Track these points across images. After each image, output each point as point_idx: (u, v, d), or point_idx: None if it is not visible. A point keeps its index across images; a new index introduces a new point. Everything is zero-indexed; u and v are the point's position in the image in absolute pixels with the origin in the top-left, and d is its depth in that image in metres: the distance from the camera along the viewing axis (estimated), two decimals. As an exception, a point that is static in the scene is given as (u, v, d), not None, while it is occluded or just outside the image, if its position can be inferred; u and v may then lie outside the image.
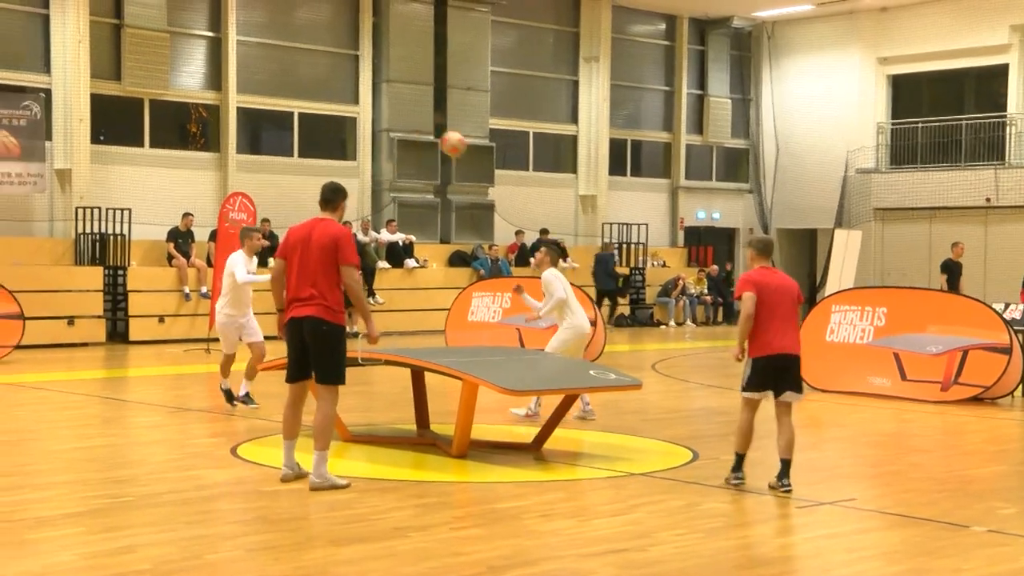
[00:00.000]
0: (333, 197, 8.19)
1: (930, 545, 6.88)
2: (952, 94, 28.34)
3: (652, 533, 6.95)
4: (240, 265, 11.40)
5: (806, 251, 30.00)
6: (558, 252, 12.38)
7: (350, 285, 7.90)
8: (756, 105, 30.68)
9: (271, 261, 24.92)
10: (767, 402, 8.29)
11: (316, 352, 7.93)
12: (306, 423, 8.26)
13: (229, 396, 11.72)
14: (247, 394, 11.73)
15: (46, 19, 20.56)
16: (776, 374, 8.12)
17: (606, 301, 25.48)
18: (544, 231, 25.71)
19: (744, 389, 8.24)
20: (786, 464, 8.07)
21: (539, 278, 11.68)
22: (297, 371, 8.11)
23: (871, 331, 14.00)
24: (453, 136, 12.52)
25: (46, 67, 20.60)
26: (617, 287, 25.90)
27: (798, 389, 8.23)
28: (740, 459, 8.23)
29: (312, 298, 7.89)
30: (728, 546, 6.77)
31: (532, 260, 11.83)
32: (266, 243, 21.44)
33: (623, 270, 26.51)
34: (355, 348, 8.65)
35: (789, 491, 7.98)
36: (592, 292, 24.13)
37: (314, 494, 7.78)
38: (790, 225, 29.88)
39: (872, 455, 10.55)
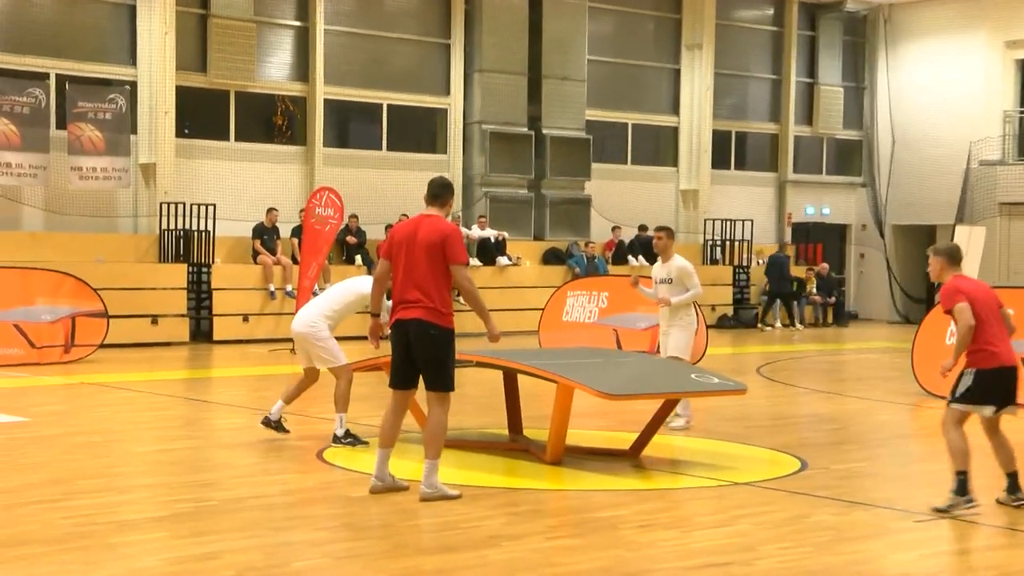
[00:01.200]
0: (442, 192, 8.07)
1: (1060, 564, 6.73)
2: (1088, 79, 27.56)
3: (757, 546, 6.89)
4: (359, 297, 9.94)
5: (924, 248, 29.37)
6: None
7: (463, 285, 7.81)
8: (870, 93, 30.19)
9: (358, 259, 24.83)
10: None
11: (423, 358, 7.86)
12: (409, 429, 8.32)
13: (276, 426, 10.17)
14: (280, 421, 10.24)
15: (132, 10, 21.03)
16: (1006, 387, 7.84)
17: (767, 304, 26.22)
18: (643, 227, 25.62)
19: (959, 400, 7.81)
20: (1014, 476, 7.87)
21: (645, 276, 11.59)
22: (401, 378, 8.03)
23: (995, 334, 13.66)
24: None
25: (132, 59, 21.07)
26: (792, 290, 25.99)
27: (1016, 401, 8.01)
28: (965, 478, 7.65)
29: (418, 301, 7.81)
30: (839, 562, 6.67)
31: (656, 244, 11.68)
32: (354, 240, 21.78)
33: (819, 271, 27.18)
34: (466, 351, 8.59)
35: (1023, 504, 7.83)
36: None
37: (403, 501, 7.84)
38: (906, 221, 29.35)
39: (996, 467, 10.31)
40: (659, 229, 11.70)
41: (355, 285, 10.10)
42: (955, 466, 7.74)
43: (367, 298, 9.39)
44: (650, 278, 11.83)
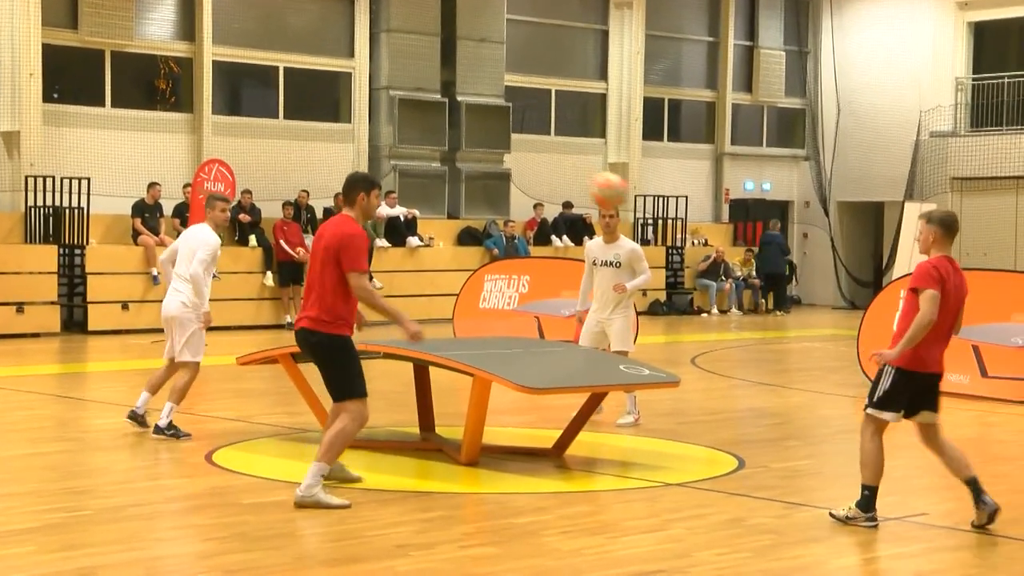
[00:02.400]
0: (348, 190, 8.18)
1: (1014, 567, 6.90)
2: (1044, 45, 28.15)
3: (691, 552, 6.97)
4: (205, 247, 10.36)
5: (871, 227, 29.91)
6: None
7: (359, 295, 7.92)
8: (814, 58, 30.56)
9: (252, 240, 24.64)
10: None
11: (317, 366, 8.12)
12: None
13: (141, 421, 10.46)
14: (144, 415, 10.47)
15: (-8, -41, 20.62)
16: (919, 394, 7.58)
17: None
18: (567, 204, 25.72)
19: (874, 405, 7.57)
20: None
21: (582, 260, 11.70)
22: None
23: (947, 320, 13.93)
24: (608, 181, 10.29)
25: (-8, 14, 20.65)
26: (786, 272, 26.37)
27: (937, 409, 7.73)
28: (872, 494, 7.52)
29: (305, 308, 8.08)
30: (779, 568, 6.78)
31: (607, 225, 11.62)
32: (247, 218, 21.63)
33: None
34: (374, 341, 8.70)
35: None
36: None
37: (301, 508, 7.83)
38: (852, 197, 29.79)
39: (947, 464, 10.52)
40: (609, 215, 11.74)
41: (194, 238, 10.46)
42: (864, 479, 7.58)
43: (215, 247, 10.38)
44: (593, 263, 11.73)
